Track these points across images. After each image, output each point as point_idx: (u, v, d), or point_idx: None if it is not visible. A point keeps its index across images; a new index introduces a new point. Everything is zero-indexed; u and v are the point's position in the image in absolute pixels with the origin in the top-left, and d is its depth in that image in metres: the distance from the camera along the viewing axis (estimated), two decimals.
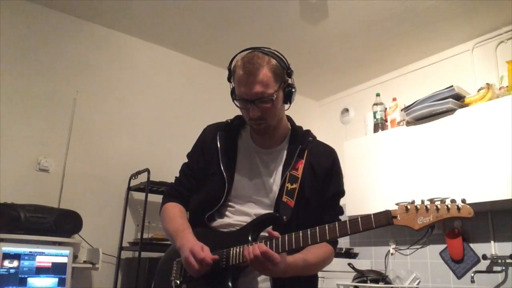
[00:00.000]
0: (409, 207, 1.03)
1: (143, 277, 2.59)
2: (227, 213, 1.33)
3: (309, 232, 1.12)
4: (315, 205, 1.31)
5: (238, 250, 1.18)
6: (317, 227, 1.12)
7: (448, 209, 1.01)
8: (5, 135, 2.64)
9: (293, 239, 1.13)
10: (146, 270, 2.58)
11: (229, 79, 1.33)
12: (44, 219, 2.42)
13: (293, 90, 1.32)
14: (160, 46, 3.46)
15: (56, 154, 2.81)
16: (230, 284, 1.17)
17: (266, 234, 1.19)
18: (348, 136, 3.90)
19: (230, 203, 1.33)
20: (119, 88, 3.20)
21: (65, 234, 2.53)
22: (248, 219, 1.27)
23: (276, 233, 1.16)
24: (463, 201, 1.02)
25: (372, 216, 1.05)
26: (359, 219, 1.06)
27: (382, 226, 1.06)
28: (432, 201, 1.03)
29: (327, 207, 1.34)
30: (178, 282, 1.24)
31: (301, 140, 1.37)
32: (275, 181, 1.32)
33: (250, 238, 1.20)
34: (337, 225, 1.10)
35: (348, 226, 1.08)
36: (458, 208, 1.00)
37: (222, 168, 1.33)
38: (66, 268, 2.40)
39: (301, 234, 1.13)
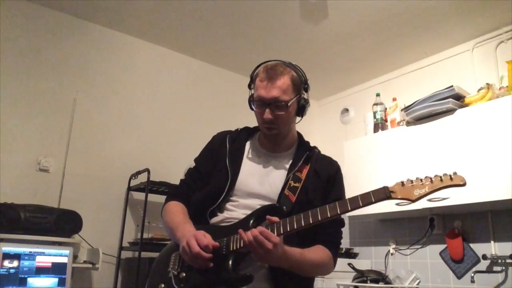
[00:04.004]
0: (404, 181, 1.11)
1: (143, 277, 2.58)
2: (229, 207, 1.34)
3: (310, 212, 1.15)
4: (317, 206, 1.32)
5: (238, 236, 1.18)
6: (318, 208, 1.15)
7: (441, 179, 1.07)
8: (5, 135, 2.64)
9: (294, 219, 1.16)
10: (146, 270, 2.58)
11: (249, 86, 1.42)
12: (44, 219, 2.42)
13: (307, 105, 1.40)
14: (160, 46, 3.46)
15: (56, 154, 2.82)
16: (230, 264, 1.17)
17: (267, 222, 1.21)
18: (348, 136, 3.90)
19: (232, 198, 1.35)
20: (119, 88, 3.20)
21: (65, 234, 2.53)
22: (250, 212, 1.28)
23: (275, 218, 1.18)
24: (454, 173, 1.08)
25: (371, 192, 1.11)
26: (358, 196, 1.11)
27: (381, 200, 1.11)
28: (425, 176, 1.10)
29: None
30: (176, 272, 1.23)
31: (308, 149, 1.44)
32: (280, 178, 1.35)
33: (250, 225, 1.21)
34: (337, 203, 1.14)
35: (348, 203, 1.12)
36: (451, 178, 1.07)
37: (227, 163, 1.38)
38: (66, 268, 2.40)
39: (301, 214, 1.16)
